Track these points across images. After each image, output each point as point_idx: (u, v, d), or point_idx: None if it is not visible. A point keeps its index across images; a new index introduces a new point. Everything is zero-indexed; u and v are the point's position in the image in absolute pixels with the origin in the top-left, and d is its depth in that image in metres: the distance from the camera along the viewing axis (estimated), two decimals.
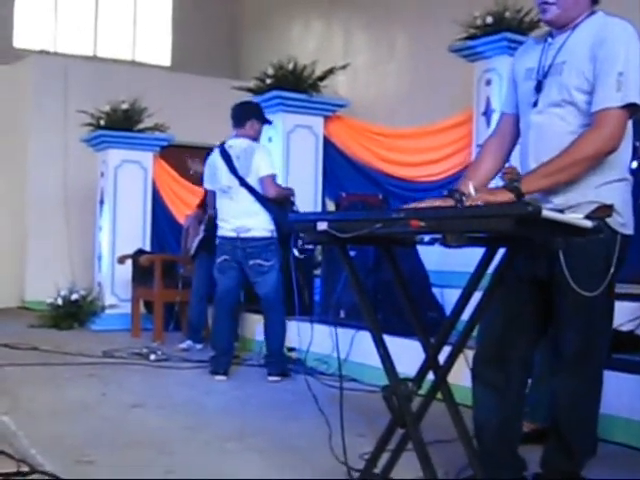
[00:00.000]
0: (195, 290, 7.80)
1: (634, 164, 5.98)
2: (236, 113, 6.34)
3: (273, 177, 6.19)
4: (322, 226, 2.71)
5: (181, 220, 9.27)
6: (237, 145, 6.20)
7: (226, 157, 6.16)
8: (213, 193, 6.38)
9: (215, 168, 6.21)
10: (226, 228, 6.09)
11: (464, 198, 2.87)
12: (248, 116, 6.28)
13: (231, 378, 6.08)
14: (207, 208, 7.21)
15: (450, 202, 2.87)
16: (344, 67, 9.14)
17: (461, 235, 2.30)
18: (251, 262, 6.04)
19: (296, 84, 8.60)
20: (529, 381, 3.25)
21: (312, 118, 8.68)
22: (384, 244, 2.93)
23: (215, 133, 10.38)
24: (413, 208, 2.61)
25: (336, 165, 8.80)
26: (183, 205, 10.01)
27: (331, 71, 8.86)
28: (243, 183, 6.08)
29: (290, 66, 8.66)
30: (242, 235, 5.99)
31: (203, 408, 5.05)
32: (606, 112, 2.75)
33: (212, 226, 6.56)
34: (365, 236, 2.58)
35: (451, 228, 2.33)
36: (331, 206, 8.34)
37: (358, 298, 2.89)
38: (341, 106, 9.08)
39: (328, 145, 8.83)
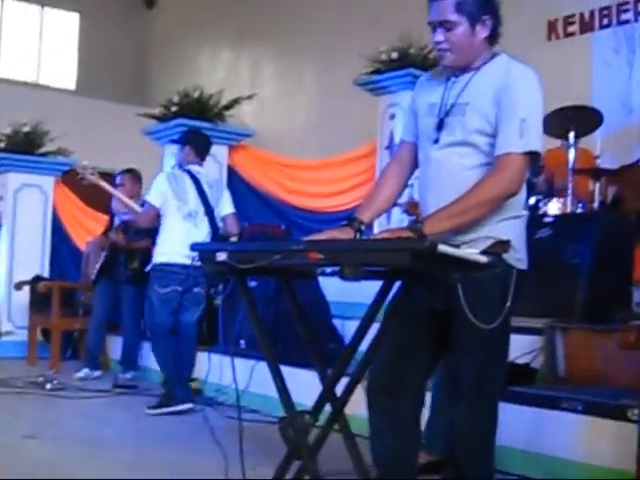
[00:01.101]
0: (95, 317, 7.67)
1: (532, 200, 6.16)
2: (206, 142, 6.32)
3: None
4: (221, 256, 2.70)
5: (82, 247, 9.13)
6: (206, 174, 6.16)
7: (197, 182, 6.02)
8: (157, 212, 6.04)
9: (184, 190, 6.00)
10: (182, 255, 5.61)
11: (362, 227, 2.91)
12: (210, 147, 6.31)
13: (129, 408, 5.98)
14: (110, 233, 7.15)
15: (349, 231, 2.91)
16: (250, 97, 9.16)
17: (359, 268, 2.32)
18: (195, 290, 5.98)
19: (202, 112, 8.58)
20: (425, 411, 3.27)
21: (216, 147, 8.63)
22: (284, 275, 2.93)
23: (120, 159, 10.29)
24: (312, 240, 2.62)
25: (240, 195, 8.75)
26: (84, 231, 9.85)
27: (237, 101, 8.88)
28: (209, 212, 6.00)
29: (196, 94, 8.65)
30: (195, 263, 5.83)
31: (98, 439, 4.95)
32: (508, 157, 2.80)
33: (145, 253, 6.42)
34: (265, 267, 2.57)
35: (349, 261, 2.35)
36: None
37: (255, 329, 2.88)
38: (246, 136, 9.09)
39: (232, 174, 8.83)
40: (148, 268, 6.12)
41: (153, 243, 6.33)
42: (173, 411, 5.70)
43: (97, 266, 7.57)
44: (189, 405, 5.78)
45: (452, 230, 2.78)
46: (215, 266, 2.76)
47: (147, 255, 7.37)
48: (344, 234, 2.88)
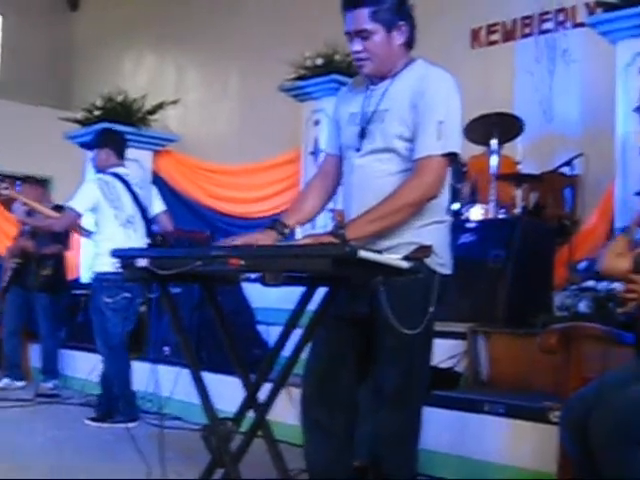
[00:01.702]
0: (5, 325, 7.51)
1: (455, 205, 6.23)
2: (124, 141, 6.11)
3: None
4: (142, 262, 2.66)
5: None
6: (131, 175, 5.93)
7: (128, 186, 5.79)
8: (78, 217, 5.85)
9: (118, 196, 5.74)
10: None
11: (286, 230, 2.90)
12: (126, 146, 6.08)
13: (51, 418, 5.88)
14: (19, 239, 7.02)
15: (273, 234, 2.90)
16: (175, 102, 9.11)
17: (279, 274, 2.31)
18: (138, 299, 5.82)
19: (125, 117, 8.50)
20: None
21: (141, 152, 8.58)
22: (206, 282, 2.90)
23: (43, 164, 10.13)
24: (233, 246, 2.60)
25: (164, 200, 8.69)
26: (3, 236, 9.65)
27: (161, 106, 8.81)
28: (144, 215, 5.82)
29: (119, 98, 8.56)
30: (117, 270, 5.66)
31: (19, 449, 4.85)
32: (427, 160, 2.82)
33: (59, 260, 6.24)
34: (186, 273, 2.54)
35: (270, 267, 2.33)
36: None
37: (177, 335, 2.85)
38: (171, 141, 9.03)
39: (157, 180, 8.75)
40: (90, 279, 5.90)
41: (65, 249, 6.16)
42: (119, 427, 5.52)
43: (9, 273, 7.42)
44: (135, 423, 5.61)
45: (374, 235, 2.79)
46: (136, 272, 2.72)
47: (59, 262, 7.25)
48: (267, 237, 2.88)
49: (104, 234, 5.70)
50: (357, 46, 2.90)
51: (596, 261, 5.24)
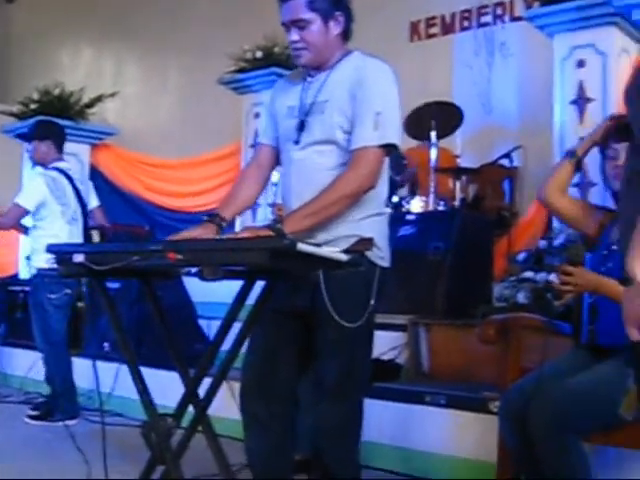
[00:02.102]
0: None
1: (395, 198, 6.25)
2: (64, 133, 5.96)
3: None
4: (78, 258, 2.62)
5: None
6: (72, 170, 5.81)
7: (72, 181, 5.68)
8: (27, 213, 5.67)
9: (64, 192, 5.64)
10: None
11: (224, 223, 2.88)
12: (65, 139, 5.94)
13: None
14: None
15: (211, 227, 2.88)
16: (113, 95, 9.00)
17: (218, 268, 2.29)
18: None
19: (62, 110, 8.37)
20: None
21: (78, 146, 8.46)
22: (145, 276, 2.87)
23: None
24: (171, 240, 2.58)
25: (103, 194, 8.55)
26: None
27: (99, 99, 8.71)
28: (84, 211, 5.71)
29: (57, 92, 8.43)
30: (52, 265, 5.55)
31: None
32: (364, 151, 2.81)
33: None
34: (124, 268, 2.51)
35: (208, 261, 2.32)
36: (97, 237, 8.13)
37: (115, 331, 2.81)
38: (109, 134, 8.92)
39: (95, 174, 8.64)
40: (32, 274, 5.79)
41: None
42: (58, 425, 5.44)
43: None
44: (75, 421, 5.54)
45: (312, 227, 2.78)
46: (72, 268, 2.68)
47: None
48: (206, 231, 2.87)
49: (50, 231, 5.57)
50: (294, 36, 2.89)
51: (533, 253, 5.33)
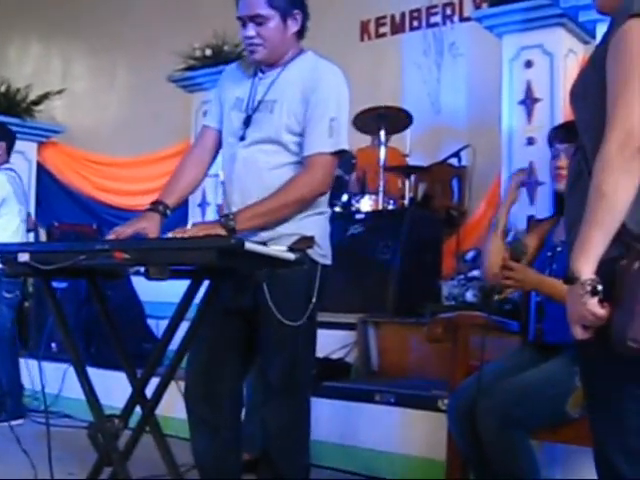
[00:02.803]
0: None
1: (344, 197, 6.26)
2: (15, 137, 5.86)
3: None
4: (23, 257, 2.59)
5: None
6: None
7: (22, 183, 5.65)
8: None
9: (22, 192, 5.63)
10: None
11: (168, 211, 2.85)
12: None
13: None
14: None
15: (155, 215, 2.87)
16: (60, 92, 8.91)
17: (165, 267, 2.27)
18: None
19: (8, 107, 8.27)
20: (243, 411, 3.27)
21: (25, 143, 8.35)
22: (92, 276, 2.84)
23: None
24: (117, 240, 2.56)
25: (50, 193, 8.55)
26: None
27: (46, 96, 8.61)
28: (28, 213, 5.67)
29: (2, 88, 8.33)
30: None
31: None
32: (318, 157, 2.83)
33: None
34: (71, 268, 2.48)
35: (155, 260, 2.30)
36: (44, 236, 8.05)
37: (61, 332, 2.78)
38: (56, 132, 8.82)
39: (42, 172, 8.55)
40: None
41: None
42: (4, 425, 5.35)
43: None
44: (20, 421, 5.46)
45: (263, 226, 2.80)
46: (17, 268, 2.64)
47: None
48: (151, 221, 2.85)
49: (8, 229, 5.50)
50: (250, 31, 2.87)
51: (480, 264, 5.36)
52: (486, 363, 3.05)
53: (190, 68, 7.63)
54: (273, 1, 2.85)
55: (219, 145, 3.09)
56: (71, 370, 5.44)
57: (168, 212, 2.93)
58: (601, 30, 2.78)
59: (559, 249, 3.10)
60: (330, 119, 2.83)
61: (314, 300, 2.85)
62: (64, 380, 5.63)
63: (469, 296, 4.95)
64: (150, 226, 2.82)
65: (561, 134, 3.24)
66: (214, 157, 3.13)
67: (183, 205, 4.06)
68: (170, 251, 2.34)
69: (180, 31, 8.73)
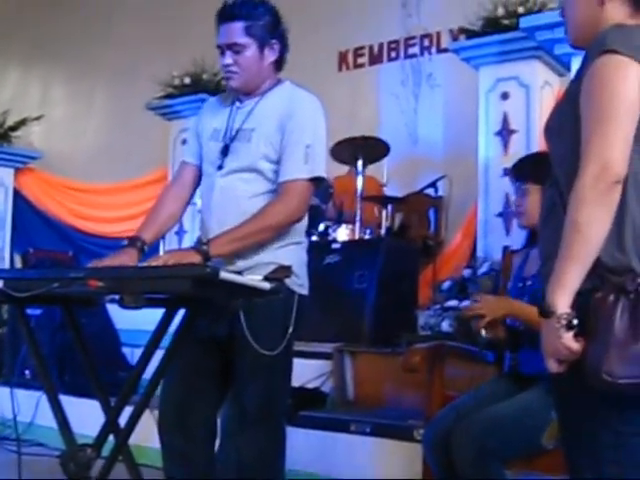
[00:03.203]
0: None
1: (321, 226, 6.26)
2: None
3: None
4: None
5: None
6: None
7: None
8: None
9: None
10: None
11: (145, 247, 2.85)
12: None
13: None
14: None
15: (133, 251, 2.85)
16: (38, 118, 8.91)
17: (139, 296, 2.26)
18: None
19: None
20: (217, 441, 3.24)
21: (2, 169, 8.35)
22: (66, 303, 2.82)
23: None
24: (92, 267, 2.54)
25: (26, 219, 8.50)
26: None
27: (24, 122, 8.60)
28: None
29: None
30: None
31: None
32: (293, 183, 2.83)
33: None
34: (45, 295, 2.47)
35: (130, 289, 2.28)
36: (19, 262, 8.02)
37: (34, 359, 2.76)
38: (33, 158, 8.80)
39: (18, 198, 8.52)
40: None
41: None
42: None
43: None
44: None
45: (237, 252, 2.79)
46: None
47: None
48: (127, 256, 2.84)
49: None
50: (228, 59, 2.90)
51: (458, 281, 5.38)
52: (462, 393, 3.05)
53: (169, 96, 7.66)
54: (251, 30, 2.87)
55: (198, 181, 3.09)
56: (44, 398, 5.43)
57: (145, 248, 2.92)
58: (576, 63, 2.82)
59: (529, 283, 3.12)
60: (306, 146, 2.84)
61: (291, 330, 2.84)
62: (37, 408, 5.57)
63: (445, 326, 4.95)
64: (127, 261, 2.81)
65: (513, 173, 3.30)
66: (193, 193, 3.13)
67: None
68: (144, 280, 2.33)
69: (159, 58, 8.76)
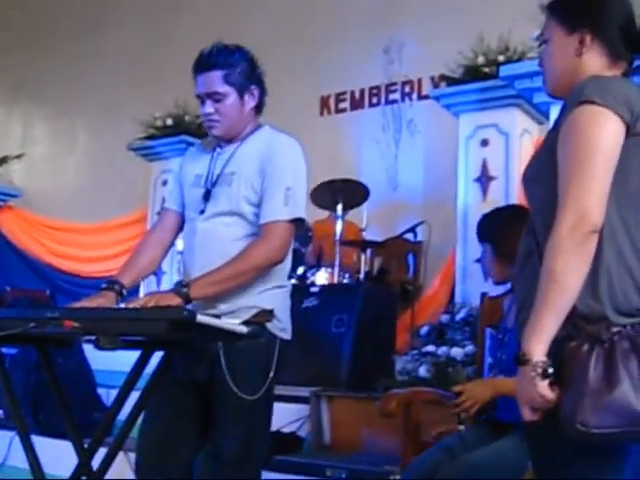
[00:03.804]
0: None
1: (300, 269, 6.27)
2: None
3: None
4: None
5: None
6: None
7: None
8: None
9: None
10: None
11: (124, 290, 2.84)
12: None
13: None
14: None
15: (111, 294, 2.84)
16: (19, 156, 8.90)
17: (115, 338, 2.25)
18: None
19: None
20: None
21: None
22: (42, 343, 2.81)
23: None
24: (68, 308, 2.53)
25: (5, 257, 8.47)
26: None
27: (5, 160, 8.60)
28: None
29: None
30: None
31: None
32: (274, 225, 2.84)
33: None
34: (21, 335, 2.45)
35: (105, 330, 2.27)
36: None
37: (7, 399, 2.73)
38: (14, 196, 8.78)
39: None
40: None
41: None
42: None
43: None
44: None
45: (218, 294, 2.78)
46: None
47: None
48: (105, 298, 2.82)
49: None
50: (209, 108, 2.92)
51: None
52: (438, 440, 3.04)
53: (150, 137, 7.67)
54: (229, 78, 2.90)
55: (179, 227, 3.10)
56: (17, 438, 5.38)
57: (124, 291, 2.91)
58: (555, 111, 2.85)
59: (506, 338, 3.13)
60: (286, 188, 2.85)
61: (272, 374, 2.83)
62: (10, 448, 5.51)
63: (422, 371, 4.95)
64: (104, 304, 2.79)
65: (477, 234, 3.34)
66: (174, 239, 3.14)
67: None
68: (121, 321, 2.32)
69: (142, 99, 8.80)
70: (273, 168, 2.87)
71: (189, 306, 2.64)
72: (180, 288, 2.69)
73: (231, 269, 2.78)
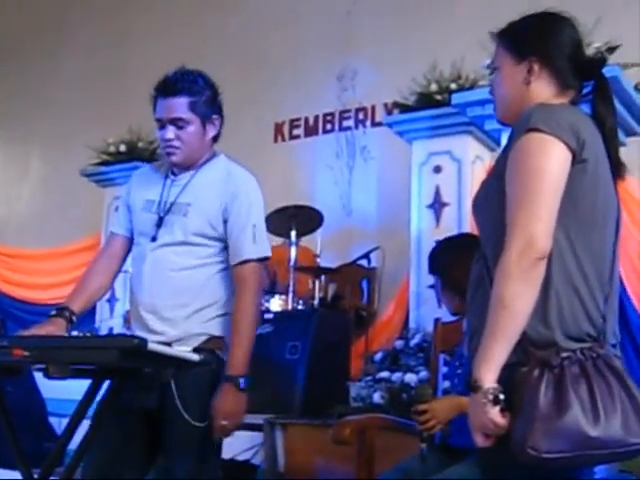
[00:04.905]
0: None
1: None
2: None
3: None
4: None
5: None
6: None
7: None
8: None
9: None
10: None
11: (73, 317, 2.81)
12: None
13: None
14: None
15: (61, 321, 2.81)
16: None
17: (65, 366, 2.22)
18: None
19: None
20: None
21: None
22: None
23: None
24: (17, 336, 2.50)
25: None
26: None
27: None
28: None
29: None
30: None
31: None
32: (247, 265, 2.87)
33: None
34: None
35: (55, 359, 2.25)
36: None
37: None
38: None
39: None
40: None
41: None
42: None
43: None
44: None
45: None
46: None
47: None
48: (55, 325, 2.80)
49: None
50: (170, 134, 2.89)
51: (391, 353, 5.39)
52: (392, 466, 3.03)
53: (103, 163, 7.64)
54: (195, 106, 2.88)
55: (127, 251, 3.08)
56: None
57: (74, 318, 2.89)
58: (506, 138, 2.89)
59: (458, 364, 3.15)
60: (252, 226, 2.89)
61: None
62: None
63: (377, 398, 4.94)
64: (54, 331, 2.77)
65: (428, 266, 3.37)
66: (122, 264, 3.11)
67: None
68: (71, 350, 2.30)
69: (95, 125, 8.76)
70: (239, 207, 2.88)
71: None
72: (231, 378, 2.76)
73: (244, 332, 2.83)
